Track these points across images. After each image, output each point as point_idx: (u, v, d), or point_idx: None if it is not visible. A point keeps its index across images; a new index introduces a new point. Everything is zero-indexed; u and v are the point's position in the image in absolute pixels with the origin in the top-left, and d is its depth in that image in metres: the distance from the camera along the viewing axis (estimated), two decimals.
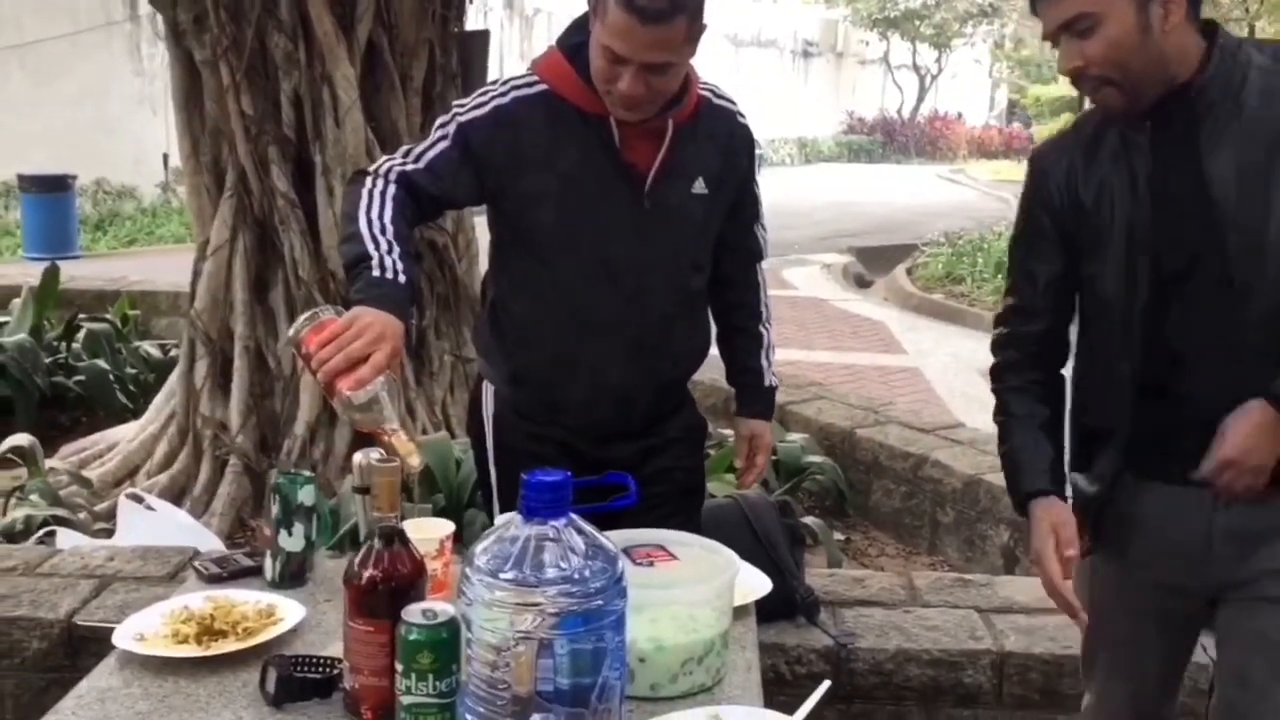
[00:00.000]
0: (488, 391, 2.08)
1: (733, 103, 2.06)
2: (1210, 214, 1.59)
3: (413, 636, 1.26)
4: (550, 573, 1.21)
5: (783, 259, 10.80)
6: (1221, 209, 1.58)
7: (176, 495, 3.85)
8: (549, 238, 1.93)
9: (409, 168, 1.88)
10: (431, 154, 1.89)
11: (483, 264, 4.18)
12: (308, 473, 1.77)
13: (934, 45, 31.07)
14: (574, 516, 1.25)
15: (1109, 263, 1.68)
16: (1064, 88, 14.83)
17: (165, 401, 4.22)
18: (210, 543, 3.21)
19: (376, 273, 1.73)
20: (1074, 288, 1.76)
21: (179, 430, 4.03)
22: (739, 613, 1.70)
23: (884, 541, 3.96)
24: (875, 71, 32.88)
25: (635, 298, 1.95)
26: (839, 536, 3.86)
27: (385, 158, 1.92)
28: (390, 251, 1.76)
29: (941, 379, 6.66)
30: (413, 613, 1.27)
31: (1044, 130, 19.39)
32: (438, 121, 1.93)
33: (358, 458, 1.86)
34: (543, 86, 1.90)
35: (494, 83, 1.95)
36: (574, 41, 1.91)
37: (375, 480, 1.39)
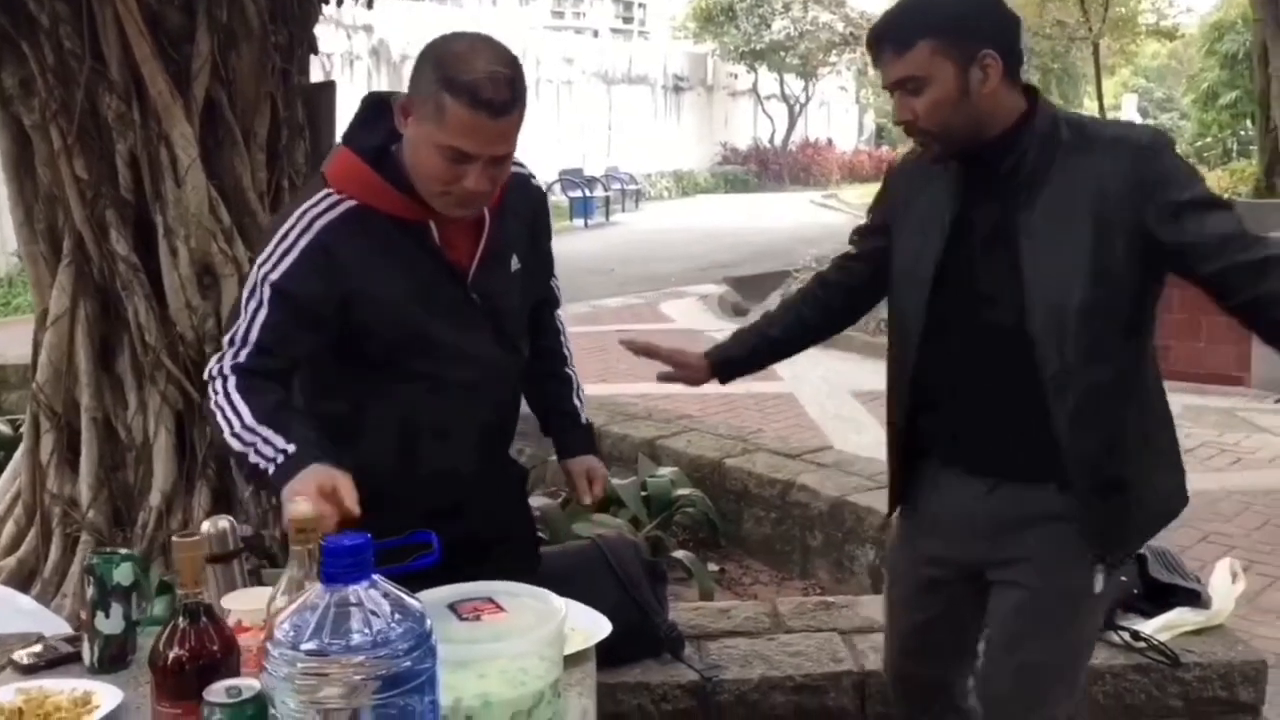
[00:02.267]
0: None
1: (521, 165, 1.99)
2: (1014, 266, 1.82)
3: (215, 717, 1.22)
4: (354, 639, 1.19)
5: (659, 293, 10.89)
6: (1023, 264, 1.81)
7: (26, 578, 3.68)
8: (387, 354, 1.88)
9: (241, 359, 1.80)
10: (256, 331, 1.81)
11: None
12: (124, 551, 1.71)
13: (800, 75, 31.86)
14: (377, 579, 1.23)
15: (901, 281, 1.99)
16: None
17: (10, 481, 4.04)
18: (57, 627, 3.06)
19: (270, 467, 1.71)
20: (884, 274, 2.04)
21: (25, 510, 3.86)
22: (576, 658, 1.69)
23: (757, 569, 3.99)
24: (746, 103, 33.54)
25: (474, 393, 1.94)
26: (713, 567, 3.88)
27: (214, 356, 1.84)
28: (266, 441, 1.73)
29: (815, 402, 6.77)
30: (215, 692, 1.24)
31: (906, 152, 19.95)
32: (246, 289, 1.83)
33: (205, 526, 1.82)
34: (349, 204, 1.82)
35: (288, 220, 1.84)
36: (372, 145, 1.84)
37: (177, 555, 1.35)
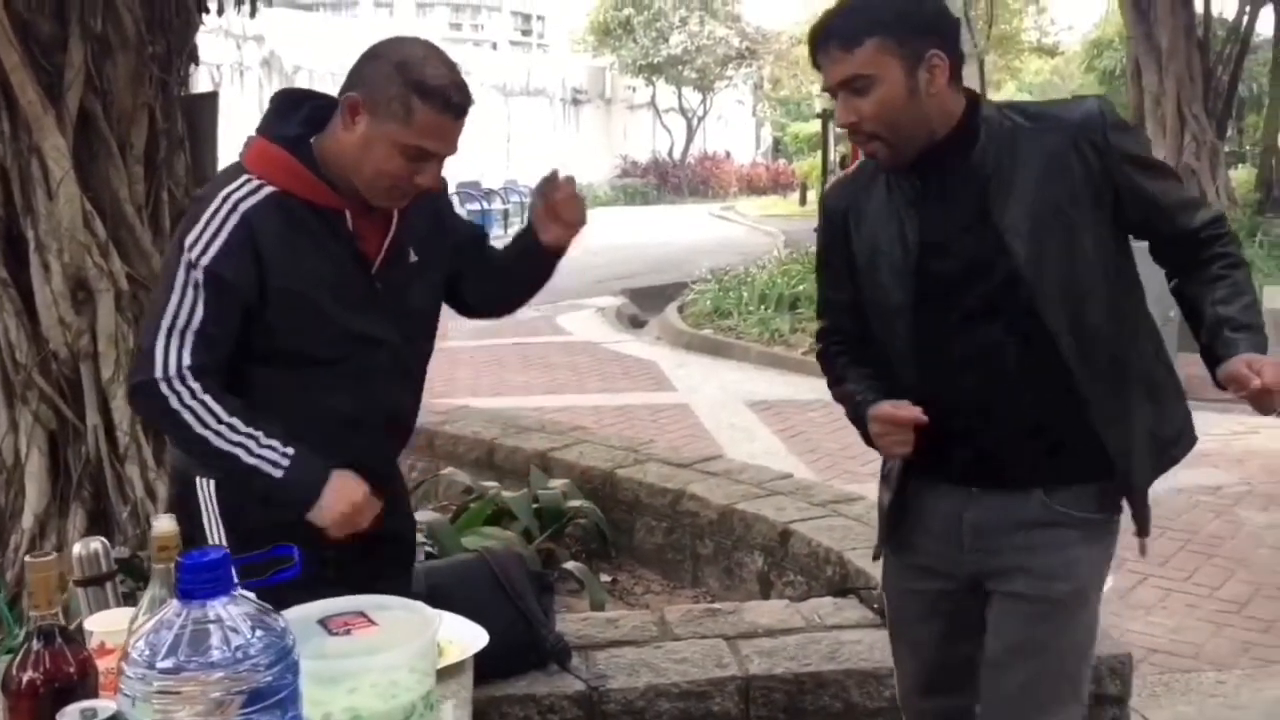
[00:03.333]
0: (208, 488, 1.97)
1: None
2: (1007, 263, 1.79)
3: None
4: (213, 655, 1.18)
5: (556, 306, 10.89)
6: (1015, 259, 1.78)
7: None
8: (297, 340, 1.90)
9: (188, 358, 1.82)
10: (196, 320, 1.83)
11: None
12: None
13: (698, 88, 32.20)
14: (237, 594, 1.22)
15: (871, 299, 1.91)
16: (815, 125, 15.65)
17: None
18: None
19: (275, 471, 1.81)
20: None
21: None
22: (452, 670, 1.69)
23: (649, 579, 4.02)
24: (644, 116, 33.77)
25: (380, 381, 1.96)
26: (605, 578, 3.89)
27: (155, 359, 1.83)
28: (258, 443, 1.81)
29: (710, 413, 6.84)
30: (70, 714, 1.21)
31: (804, 165, 20.33)
32: (177, 276, 1.83)
33: (76, 549, 1.77)
34: (269, 189, 1.85)
35: (211, 204, 1.85)
36: (290, 134, 1.89)
37: (30, 576, 1.31)
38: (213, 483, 1.95)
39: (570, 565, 3.65)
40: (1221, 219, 1.93)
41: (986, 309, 1.82)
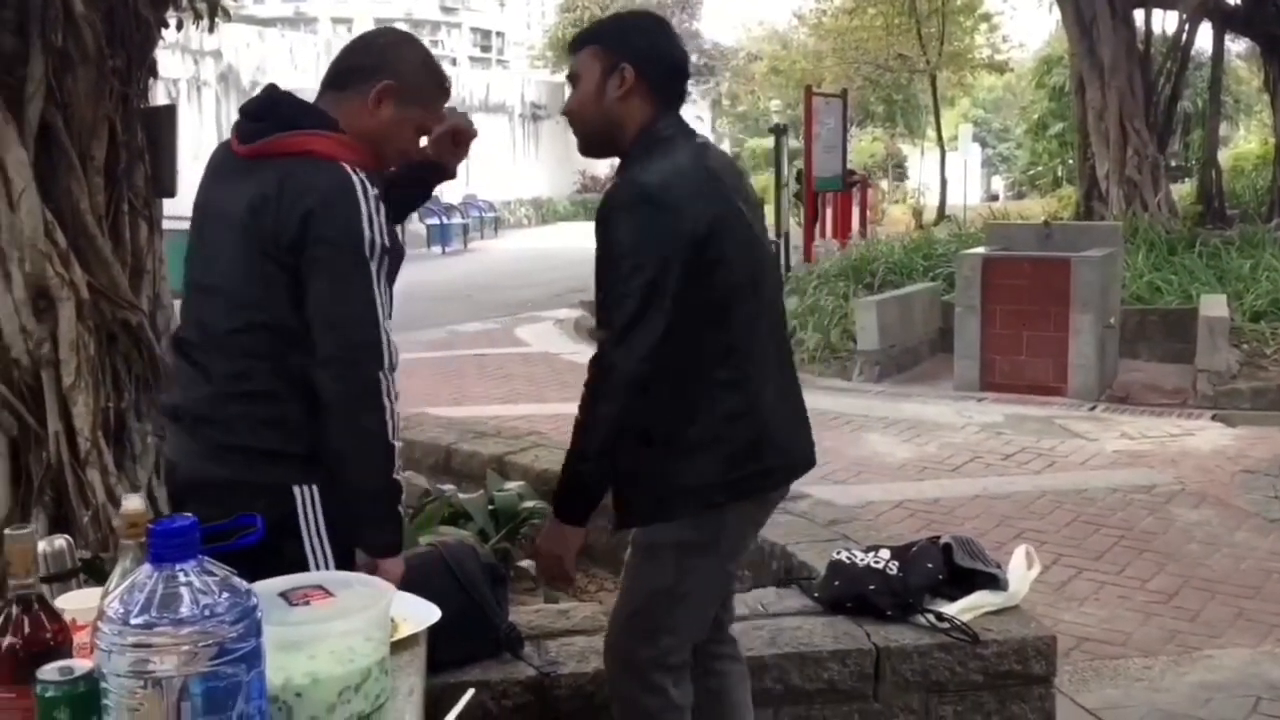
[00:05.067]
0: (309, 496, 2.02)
1: None
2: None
3: (49, 694, 1.29)
4: (181, 613, 1.28)
5: (515, 318, 11.00)
6: None
7: None
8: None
9: (394, 355, 1.99)
10: (389, 309, 2.00)
11: None
12: None
13: None
14: (204, 559, 1.32)
15: None
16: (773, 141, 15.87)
17: None
18: None
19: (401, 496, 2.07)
20: None
21: None
22: (407, 642, 1.79)
23: (603, 577, 4.13)
24: None
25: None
26: None
27: (383, 352, 1.97)
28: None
29: None
30: (48, 671, 1.31)
31: (760, 180, 20.56)
32: (370, 264, 1.95)
33: (41, 546, 1.86)
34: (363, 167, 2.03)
35: (353, 194, 1.95)
36: (324, 116, 2.06)
37: (9, 547, 1.41)
38: (316, 489, 2.00)
39: (525, 564, 3.75)
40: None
41: None
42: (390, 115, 2.06)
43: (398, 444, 1.98)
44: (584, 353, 10.34)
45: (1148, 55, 13.47)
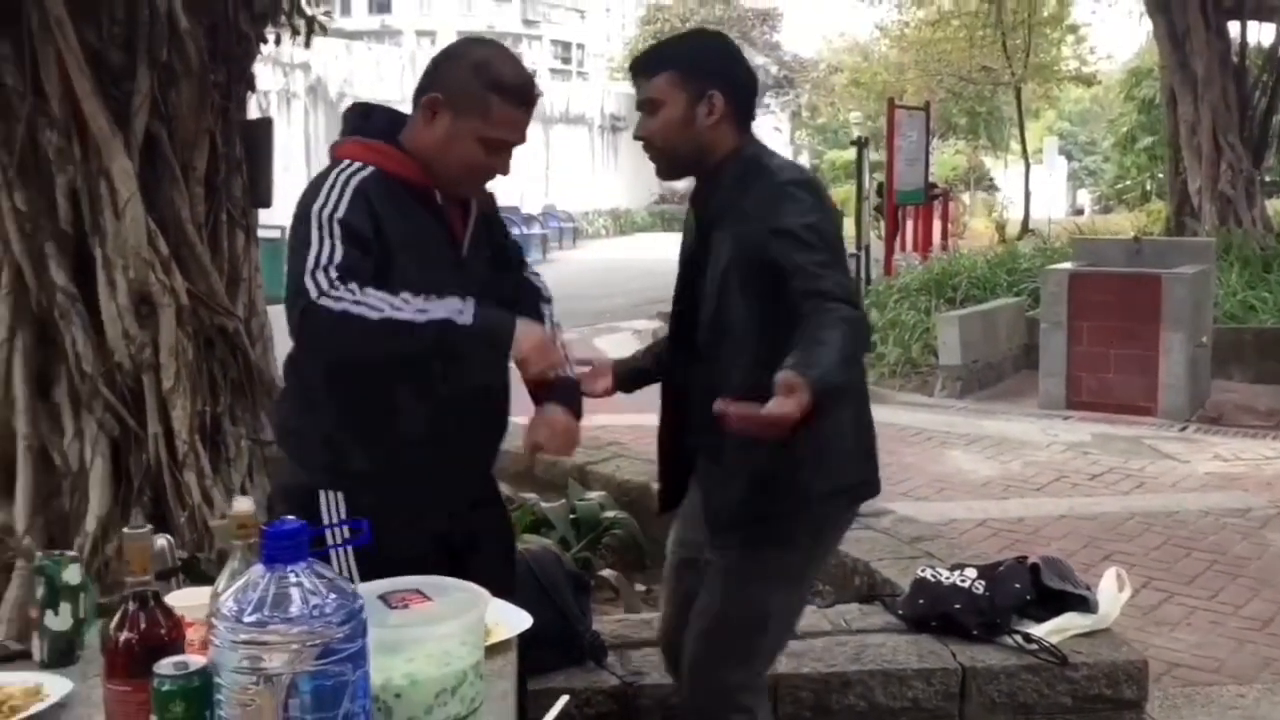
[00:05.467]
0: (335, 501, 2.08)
1: None
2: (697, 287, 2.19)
3: (165, 688, 1.35)
4: (292, 612, 1.33)
5: (593, 328, 11.07)
6: (703, 287, 2.17)
7: None
8: None
9: (334, 272, 1.93)
10: (338, 257, 1.96)
11: (277, 348, 4.16)
12: (71, 552, 1.83)
13: None
14: (313, 561, 1.37)
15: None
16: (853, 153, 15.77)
17: None
18: None
19: (461, 317, 1.94)
20: None
21: None
22: (499, 647, 1.83)
23: None
24: None
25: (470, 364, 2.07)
26: (640, 587, 4.01)
27: (307, 286, 1.94)
28: (437, 300, 1.95)
29: None
30: (164, 666, 1.36)
31: (841, 192, 20.44)
32: (312, 230, 1.97)
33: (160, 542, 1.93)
34: (371, 168, 2.06)
35: (326, 180, 2.03)
36: (378, 127, 2.11)
37: (127, 546, 1.47)
38: (341, 495, 2.06)
39: (606, 573, 3.78)
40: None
41: (694, 333, 2.20)
42: (445, 128, 2.03)
43: (390, 307, 1.92)
44: None
45: (1243, 68, 13.11)
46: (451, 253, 2.11)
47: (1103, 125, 36.93)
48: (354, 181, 2.03)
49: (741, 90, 2.19)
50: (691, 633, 2.28)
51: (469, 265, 2.12)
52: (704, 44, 2.27)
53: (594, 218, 28.03)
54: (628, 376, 2.46)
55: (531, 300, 2.29)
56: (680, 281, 2.30)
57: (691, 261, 2.24)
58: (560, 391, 2.20)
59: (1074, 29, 26.89)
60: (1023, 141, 24.22)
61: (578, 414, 2.23)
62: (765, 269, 2.01)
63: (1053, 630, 2.93)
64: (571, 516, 4.07)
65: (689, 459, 2.29)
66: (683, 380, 2.25)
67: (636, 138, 2.20)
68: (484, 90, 2.01)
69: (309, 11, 4.61)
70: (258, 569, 1.35)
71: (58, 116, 3.75)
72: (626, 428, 7.09)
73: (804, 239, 2.00)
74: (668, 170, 2.21)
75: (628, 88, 33.38)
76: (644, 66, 2.17)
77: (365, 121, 2.13)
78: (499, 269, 2.21)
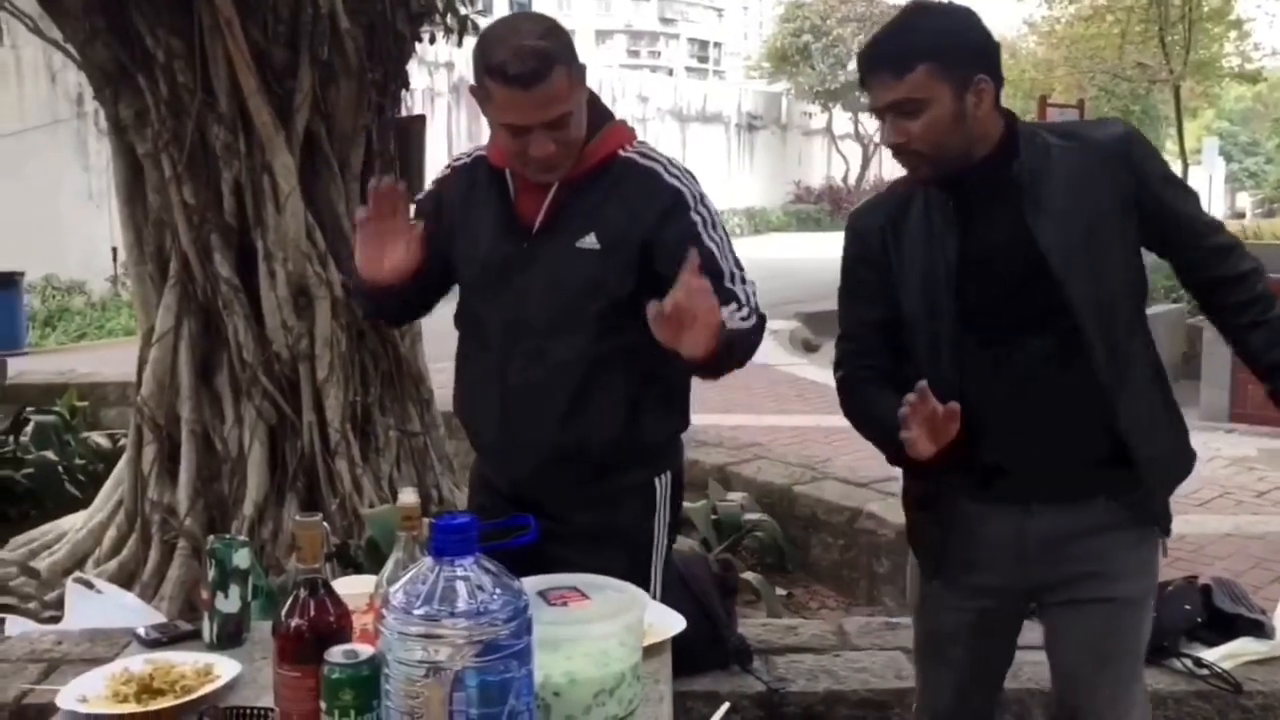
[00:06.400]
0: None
1: (663, 162, 2.03)
2: (1041, 271, 1.83)
3: (335, 675, 1.36)
4: (460, 607, 1.32)
5: None
6: (1053, 276, 1.82)
7: (126, 581, 3.89)
8: (465, 290, 2.08)
9: None
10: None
11: (427, 342, 4.26)
12: (242, 537, 1.87)
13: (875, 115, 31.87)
14: (480, 556, 1.36)
15: (914, 315, 1.92)
16: None
17: (113, 489, 4.28)
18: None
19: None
20: (898, 331, 1.96)
21: (127, 516, 4.08)
22: (654, 650, 1.81)
23: (825, 594, 4.07)
24: (820, 142, 33.66)
25: (518, 354, 1.99)
26: (781, 591, 3.97)
27: None
28: None
29: None
30: (335, 654, 1.38)
31: None
32: None
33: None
34: (479, 153, 2.08)
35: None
36: None
37: (298, 534, 1.49)
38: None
39: (748, 576, 3.74)
40: (1258, 269, 1.96)
41: (1027, 325, 1.86)
42: (488, 119, 1.94)
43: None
44: (800, 365, 10.29)
45: None
46: (512, 241, 2.00)
47: (1266, 125, 35.15)
48: (447, 169, 2.11)
49: (997, 61, 1.90)
50: (1104, 690, 1.97)
51: (540, 256, 1.99)
52: (954, 24, 1.88)
53: (729, 217, 27.90)
54: None
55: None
56: (944, 288, 1.89)
57: (982, 260, 1.88)
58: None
59: (1238, 24, 25.64)
60: (1180, 141, 23.19)
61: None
62: (1149, 220, 1.87)
63: (1225, 656, 2.77)
64: (713, 518, 4.04)
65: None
66: (985, 393, 1.86)
67: (890, 145, 1.87)
68: (483, 76, 1.87)
69: (462, 11, 4.68)
70: (427, 561, 1.35)
71: (225, 113, 3.89)
72: (765, 429, 7.03)
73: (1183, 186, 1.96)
74: (931, 173, 1.88)
75: (764, 85, 33.32)
76: (890, 63, 1.83)
77: None
78: (616, 264, 1.97)
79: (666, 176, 2.00)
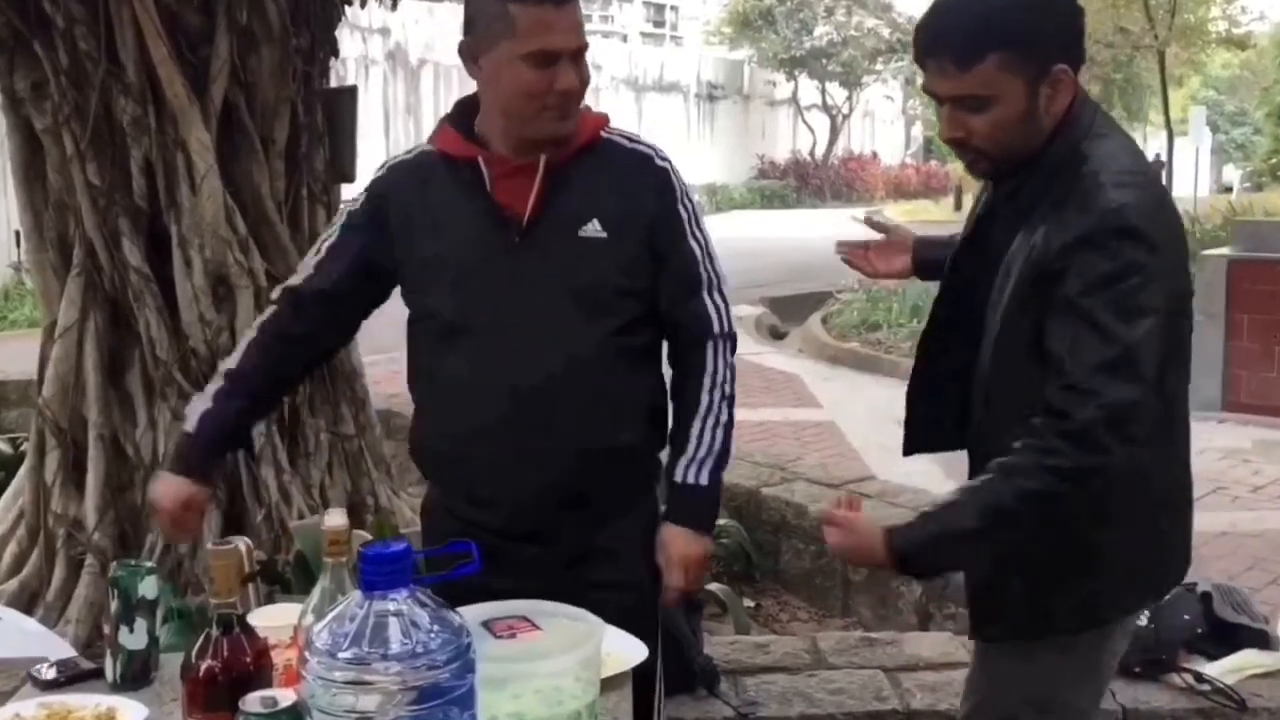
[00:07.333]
0: None
1: (649, 147, 2.05)
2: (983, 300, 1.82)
3: None
4: (393, 648, 1.26)
5: None
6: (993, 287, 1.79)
7: (28, 602, 3.77)
8: (436, 297, 1.99)
9: (297, 279, 2.10)
10: (323, 254, 2.09)
11: (360, 336, 4.17)
12: (149, 563, 1.79)
13: (844, 84, 31.98)
14: (416, 589, 1.29)
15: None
16: None
17: (13, 500, 4.15)
18: (64, 652, 3.14)
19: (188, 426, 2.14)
20: None
21: (29, 530, 3.95)
22: (614, 681, 1.75)
23: (796, 605, 4.03)
24: (785, 113, 33.71)
25: (518, 354, 1.94)
26: (748, 603, 3.92)
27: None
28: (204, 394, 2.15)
29: (857, 431, 6.81)
30: (251, 702, 1.30)
31: (958, 167, 20.00)
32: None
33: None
34: (424, 148, 2.05)
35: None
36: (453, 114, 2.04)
37: (212, 564, 1.42)
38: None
39: (713, 587, 3.69)
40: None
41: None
42: (487, 69, 1.91)
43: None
44: (766, 354, 10.28)
45: None
46: (497, 238, 1.93)
47: (1255, 94, 35.65)
48: (385, 167, 2.08)
49: (1080, 45, 1.75)
50: None
51: (534, 249, 1.92)
52: (1024, 3, 1.70)
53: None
54: (927, 265, 2.11)
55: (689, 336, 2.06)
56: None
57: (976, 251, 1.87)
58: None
59: None
60: (1166, 111, 23.45)
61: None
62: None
63: (1228, 670, 2.76)
64: None
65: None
66: None
67: (947, 140, 1.76)
68: (500, 6, 1.84)
69: None
70: (356, 596, 1.28)
71: (133, 83, 3.75)
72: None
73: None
74: (993, 170, 1.78)
75: (725, 52, 33.23)
76: (954, 49, 1.67)
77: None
78: (622, 251, 1.95)
79: (658, 160, 2.04)
